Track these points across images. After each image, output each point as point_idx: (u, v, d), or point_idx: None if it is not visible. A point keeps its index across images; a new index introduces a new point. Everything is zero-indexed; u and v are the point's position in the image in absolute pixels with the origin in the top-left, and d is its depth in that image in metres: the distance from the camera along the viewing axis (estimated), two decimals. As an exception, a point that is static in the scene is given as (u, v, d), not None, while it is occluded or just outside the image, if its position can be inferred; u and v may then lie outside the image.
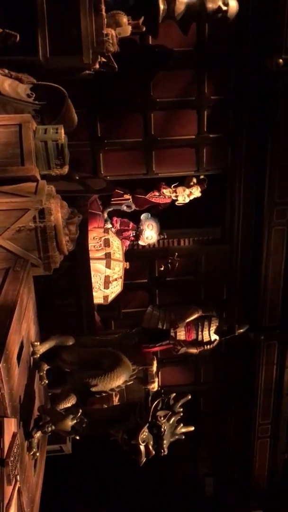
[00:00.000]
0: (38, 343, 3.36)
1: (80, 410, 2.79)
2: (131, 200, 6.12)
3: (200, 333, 6.13)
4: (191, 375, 7.21)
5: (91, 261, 5.12)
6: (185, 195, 6.06)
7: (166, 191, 6.05)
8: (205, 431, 7.24)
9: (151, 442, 2.71)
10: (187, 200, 6.14)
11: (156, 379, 5.31)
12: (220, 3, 4.66)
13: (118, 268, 5.42)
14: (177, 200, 6.20)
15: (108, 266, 5.30)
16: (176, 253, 6.27)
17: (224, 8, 4.65)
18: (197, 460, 7.95)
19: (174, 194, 6.10)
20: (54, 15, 3.93)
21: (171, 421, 2.77)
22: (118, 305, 6.31)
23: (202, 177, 6.15)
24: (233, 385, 7.13)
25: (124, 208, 6.15)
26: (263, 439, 7.26)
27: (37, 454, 3.04)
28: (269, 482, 7.47)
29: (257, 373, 6.85)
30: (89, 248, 5.17)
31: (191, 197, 6.12)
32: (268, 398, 6.99)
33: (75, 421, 2.77)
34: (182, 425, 2.85)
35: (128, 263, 5.60)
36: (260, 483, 7.45)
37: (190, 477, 8.14)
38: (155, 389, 5.29)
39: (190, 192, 6.04)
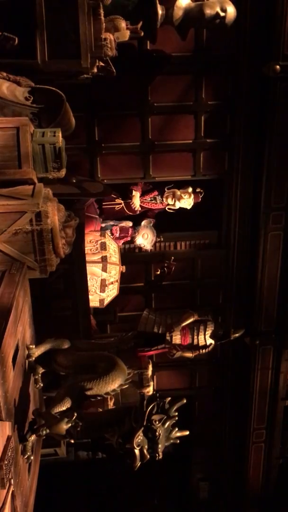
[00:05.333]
0: (34, 346, 3.35)
1: (75, 414, 2.78)
2: (123, 205, 6.12)
3: (195, 337, 6.13)
4: (186, 379, 7.20)
5: (87, 264, 5.11)
6: (175, 199, 6.04)
7: (135, 197, 6.03)
8: (200, 436, 7.23)
9: (146, 446, 2.71)
10: (176, 205, 6.12)
11: (151, 383, 5.30)
12: (218, 9, 4.68)
13: (114, 272, 5.42)
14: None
15: (104, 269, 5.30)
16: (173, 257, 6.27)
17: (222, 14, 4.68)
18: (192, 464, 7.94)
19: (161, 200, 6.10)
20: (52, 19, 3.94)
21: (166, 425, 2.76)
22: (114, 308, 6.30)
23: (198, 190, 6.15)
24: (228, 389, 7.13)
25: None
26: (258, 444, 7.25)
27: (32, 457, 3.03)
28: (263, 487, 7.46)
29: (252, 378, 6.85)
30: (86, 251, 5.16)
31: (181, 203, 6.08)
32: (263, 403, 6.99)
33: (69, 424, 2.76)
34: (177, 429, 2.85)
35: (124, 267, 5.60)
36: (254, 488, 7.44)
37: (185, 482, 8.12)
38: (150, 393, 5.28)
39: (181, 196, 6.02)
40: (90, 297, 5.22)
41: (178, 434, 2.85)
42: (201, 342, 6.19)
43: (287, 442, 7.31)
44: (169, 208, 6.23)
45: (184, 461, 7.92)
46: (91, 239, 5.32)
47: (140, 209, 6.11)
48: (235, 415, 7.24)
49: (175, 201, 6.07)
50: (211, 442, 7.52)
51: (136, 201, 6.04)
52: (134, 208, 6.06)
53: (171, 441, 2.82)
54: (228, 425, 7.37)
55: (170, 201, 6.07)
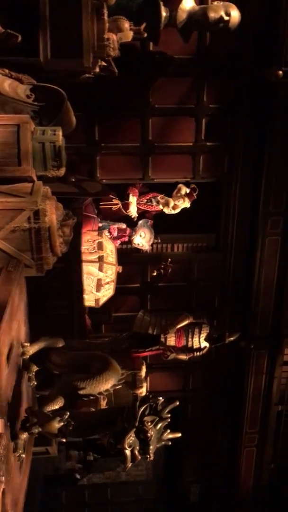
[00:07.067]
0: (28, 344, 3.34)
1: (68, 413, 2.78)
2: (120, 205, 6.10)
3: (190, 339, 6.12)
4: (180, 381, 7.19)
5: (84, 263, 5.11)
6: (170, 208, 6.02)
7: (132, 198, 5.99)
8: (192, 438, 7.22)
9: (137, 447, 2.71)
10: (173, 212, 6.11)
11: (145, 384, 5.29)
12: (222, 13, 4.70)
13: (110, 272, 5.41)
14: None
15: (100, 269, 5.29)
16: (170, 259, 6.27)
17: (226, 18, 4.69)
18: (183, 466, 7.93)
19: (157, 202, 6.07)
20: (56, 18, 3.95)
21: (158, 427, 2.76)
22: (109, 308, 6.29)
23: (193, 186, 6.12)
24: (221, 393, 7.12)
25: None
26: (250, 448, 7.26)
27: (23, 455, 3.02)
28: (254, 491, 7.46)
29: (246, 382, 6.86)
30: (83, 251, 5.16)
31: (177, 210, 6.07)
32: (256, 407, 6.99)
33: (62, 423, 2.75)
34: (169, 431, 2.85)
35: (121, 267, 5.59)
36: (245, 492, 7.44)
37: (176, 484, 8.12)
38: (143, 394, 5.27)
39: (175, 204, 6.00)
40: (85, 296, 5.21)
41: (170, 436, 2.84)
42: (196, 345, 6.19)
43: (279, 447, 7.31)
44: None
45: (175, 463, 7.92)
46: (89, 238, 5.31)
47: (136, 215, 6.08)
48: (228, 418, 7.24)
49: (171, 210, 6.04)
50: (203, 445, 7.51)
51: (133, 208, 5.98)
52: (131, 215, 6.03)
53: (163, 442, 2.82)
54: (221, 428, 7.37)
55: (166, 210, 6.04)
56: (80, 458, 9.34)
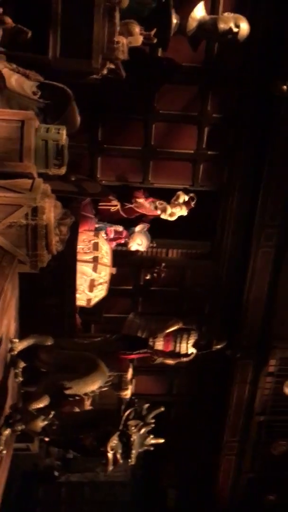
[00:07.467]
0: (17, 340, 3.34)
1: (52, 412, 2.78)
2: (119, 207, 6.11)
3: (178, 345, 6.15)
4: (164, 385, 7.22)
5: (78, 263, 5.11)
6: (167, 215, 6.04)
7: (140, 201, 6.01)
8: (173, 443, 7.21)
9: (120, 451, 2.72)
10: (169, 219, 6.12)
11: (130, 387, 5.30)
12: (232, 25, 4.74)
13: (104, 273, 5.42)
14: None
15: (95, 269, 5.30)
16: (164, 264, 6.29)
17: (235, 30, 4.73)
18: (161, 470, 7.94)
19: (155, 207, 6.09)
20: (68, 17, 3.96)
21: (141, 432, 2.78)
22: (100, 309, 6.30)
23: (191, 195, 6.13)
24: (205, 399, 7.15)
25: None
26: (229, 456, 7.29)
27: (4, 451, 3.02)
28: (231, 499, 7.49)
29: (229, 390, 6.89)
30: (78, 250, 5.16)
31: (174, 217, 6.08)
32: (237, 417, 7.02)
33: (46, 422, 2.76)
34: (152, 436, 2.86)
35: (115, 269, 5.61)
36: (222, 499, 7.46)
37: (153, 487, 8.12)
38: (128, 396, 5.28)
39: (172, 212, 6.02)
40: (77, 295, 5.21)
41: (153, 441, 2.86)
42: (183, 350, 6.22)
43: (258, 457, 7.35)
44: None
45: (154, 466, 7.92)
46: (85, 238, 5.32)
47: (155, 210, 6.07)
48: (209, 425, 7.26)
49: (167, 216, 6.06)
50: (182, 450, 7.53)
51: (145, 205, 5.97)
52: (151, 212, 6.01)
53: (145, 447, 2.84)
54: (201, 435, 7.39)
55: (163, 216, 6.07)
56: (60, 456, 9.30)
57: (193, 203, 6.02)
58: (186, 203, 5.97)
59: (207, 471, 7.45)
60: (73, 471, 9.17)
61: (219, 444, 7.17)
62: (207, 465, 7.44)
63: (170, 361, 6.18)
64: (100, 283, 5.41)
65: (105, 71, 4.29)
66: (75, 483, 9.20)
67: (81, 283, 5.25)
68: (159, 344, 6.09)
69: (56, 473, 9.21)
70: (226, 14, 4.84)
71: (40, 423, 2.75)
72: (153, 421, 2.84)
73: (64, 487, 9.19)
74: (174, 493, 7.86)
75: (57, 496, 9.13)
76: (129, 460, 2.75)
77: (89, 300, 5.46)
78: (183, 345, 6.11)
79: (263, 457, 7.28)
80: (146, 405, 2.86)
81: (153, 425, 2.84)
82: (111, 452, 2.68)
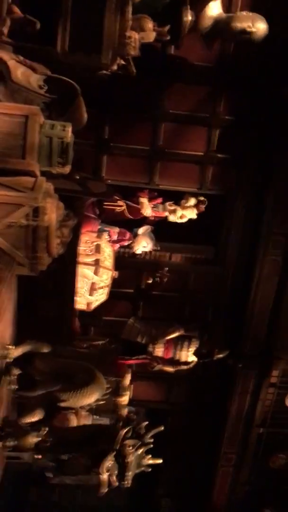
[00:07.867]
0: (13, 347, 3.18)
1: (46, 429, 2.62)
2: (125, 208, 5.98)
3: (178, 352, 6.02)
4: (163, 392, 7.06)
5: (79, 265, 4.96)
6: (177, 217, 5.92)
7: (144, 204, 5.89)
8: (169, 451, 7.07)
9: (116, 472, 2.56)
10: (178, 221, 5.99)
11: (128, 392, 5.17)
12: (248, 24, 4.58)
13: (106, 276, 5.27)
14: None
15: (96, 273, 5.15)
16: (167, 268, 6.14)
17: (250, 29, 4.57)
18: (156, 479, 7.78)
19: (165, 210, 5.97)
20: (78, 8, 3.85)
21: (139, 452, 2.62)
22: (100, 312, 6.14)
23: (202, 198, 6.00)
24: (203, 409, 6.99)
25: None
26: (226, 468, 7.14)
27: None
28: (226, 511, 7.34)
29: (230, 401, 6.73)
30: (79, 252, 5.01)
31: (184, 219, 5.96)
32: (236, 428, 6.88)
33: (38, 438, 2.60)
34: (150, 456, 2.70)
35: (117, 272, 5.45)
36: (217, 511, 7.31)
37: (148, 495, 7.97)
38: (126, 402, 5.15)
39: (183, 214, 5.90)
40: (77, 299, 5.07)
41: (150, 461, 2.71)
42: (183, 358, 6.09)
43: (256, 470, 7.19)
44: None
45: (149, 474, 7.76)
46: (87, 239, 5.17)
47: (153, 214, 5.96)
48: (207, 435, 7.11)
49: (177, 218, 5.94)
50: (179, 459, 7.37)
51: (147, 208, 5.87)
52: (146, 215, 5.90)
53: (142, 468, 2.68)
54: (199, 444, 7.24)
55: (172, 217, 5.94)
56: (53, 457, 9.18)
57: (203, 206, 5.89)
58: (196, 206, 5.84)
59: (203, 482, 7.29)
60: (67, 474, 9.02)
61: (217, 455, 7.01)
62: (203, 476, 7.28)
63: (169, 369, 6.05)
64: (101, 287, 5.26)
65: (115, 67, 4.15)
66: (68, 486, 9.06)
67: (82, 286, 5.10)
68: (159, 351, 5.96)
69: (49, 475, 9.09)
70: (244, 13, 4.69)
71: (32, 440, 2.59)
72: (151, 440, 2.67)
73: (57, 490, 9.07)
74: (168, 503, 7.71)
75: (50, 499, 9.01)
76: (125, 483, 2.59)
77: (89, 304, 5.31)
78: (184, 353, 5.99)
79: (261, 470, 7.12)
80: (145, 424, 2.70)
81: (151, 445, 2.67)
82: (106, 473, 2.51)
